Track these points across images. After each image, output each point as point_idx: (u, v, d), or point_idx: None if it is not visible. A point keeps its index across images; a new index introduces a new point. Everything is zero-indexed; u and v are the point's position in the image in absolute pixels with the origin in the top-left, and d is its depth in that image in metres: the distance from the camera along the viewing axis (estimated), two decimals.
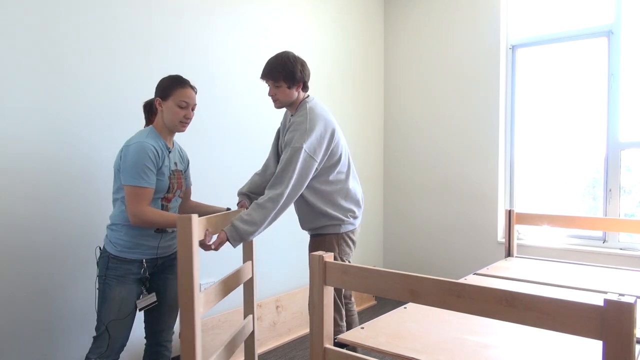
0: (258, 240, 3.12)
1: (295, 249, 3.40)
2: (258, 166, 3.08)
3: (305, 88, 2.17)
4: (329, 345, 1.46)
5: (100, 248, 1.96)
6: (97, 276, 1.89)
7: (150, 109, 2.05)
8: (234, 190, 2.95)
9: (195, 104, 1.98)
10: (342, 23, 3.79)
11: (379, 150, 4.25)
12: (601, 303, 1.00)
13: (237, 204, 2.23)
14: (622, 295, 1.01)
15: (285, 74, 2.08)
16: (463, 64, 3.82)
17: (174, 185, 1.97)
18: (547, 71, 3.57)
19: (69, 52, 2.18)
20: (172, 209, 2.00)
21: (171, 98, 1.91)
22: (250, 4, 3.02)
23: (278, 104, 2.17)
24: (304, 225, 2.26)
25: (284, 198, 1.97)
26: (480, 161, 3.74)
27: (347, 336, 1.55)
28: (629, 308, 0.96)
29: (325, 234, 2.20)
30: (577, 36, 3.41)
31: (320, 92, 3.58)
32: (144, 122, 2.48)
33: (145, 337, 2.10)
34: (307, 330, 3.33)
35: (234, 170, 2.96)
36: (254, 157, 3.08)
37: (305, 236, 3.46)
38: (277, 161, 2.26)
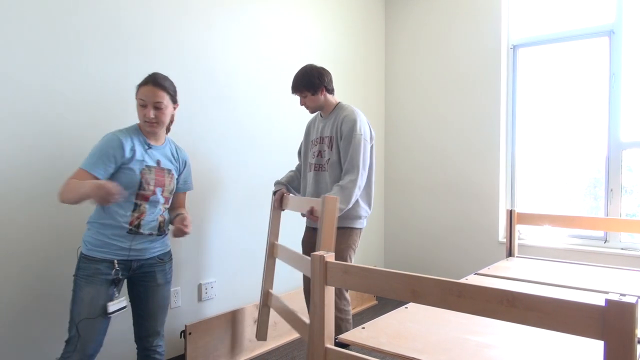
0: (258, 240, 3.12)
1: (295, 248, 3.40)
2: (259, 165, 3.09)
3: (329, 92, 2.49)
4: (329, 345, 1.45)
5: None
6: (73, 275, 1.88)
7: None
8: (235, 189, 2.95)
9: (159, 102, 1.89)
10: (343, 22, 3.79)
11: (380, 150, 4.25)
12: (602, 303, 1.00)
13: (275, 192, 2.61)
14: (624, 295, 1.00)
15: (305, 84, 2.43)
16: (464, 63, 3.82)
17: (148, 181, 1.89)
18: (548, 71, 3.56)
19: (67, 52, 2.18)
20: (151, 212, 1.92)
21: (136, 97, 1.93)
22: (250, 3, 3.02)
23: (310, 110, 2.53)
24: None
25: (359, 178, 2.32)
26: (481, 161, 3.74)
27: (348, 336, 1.55)
28: (630, 308, 0.96)
29: (345, 227, 2.42)
30: (579, 36, 3.40)
31: None
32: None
33: (135, 342, 2.08)
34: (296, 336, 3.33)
35: (235, 169, 2.96)
36: (254, 156, 3.08)
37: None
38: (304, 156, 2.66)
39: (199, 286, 2.77)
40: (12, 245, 2.01)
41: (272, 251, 2.63)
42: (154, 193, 1.93)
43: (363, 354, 1.39)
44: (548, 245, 3.44)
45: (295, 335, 3.21)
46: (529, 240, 3.56)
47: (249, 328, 2.89)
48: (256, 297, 3.09)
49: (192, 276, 2.73)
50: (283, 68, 3.26)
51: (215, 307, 2.86)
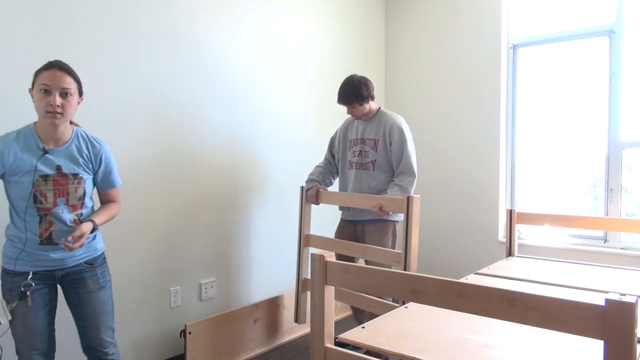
0: (258, 240, 3.12)
1: (295, 248, 3.40)
2: (259, 164, 3.09)
3: (373, 99, 2.74)
4: (330, 344, 1.45)
5: None
6: None
7: None
8: (235, 189, 2.95)
9: (67, 89, 1.67)
10: (343, 22, 3.78)
11: None
12: (602, 303, 1.00)
13: (308, 188, 2.84)
14: (624, 295, 1.00)
15: (355, 97, 2.65)
16: (464, 63, 3.82)
17: (44, 193, 1.70)
18: (548, 70, 3.56)
19: (67, 52, 2.18)
20: (60, 222, 1.74)
21: (35, 85, 1.66)
22: (251, 3, 3.02)
23: (356, 117, 2.77)
24: (366, 212, 2.68)
25: (415, 180, 2.67)
26: (481, 161, 3.74)
27: (347, 336, 1.55)
28: (630, 308, 0.96)
29: (391, 221, 2.72)
30: (579, 35, 3.40)
31: (321, 92, 3.58)
32: (140, 121, 2.48)
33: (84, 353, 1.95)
34: (307, 329, 3.33)
35: (236, 169, 2.96)
36: (255, 156, 3.08)
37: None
38: (333, 156, 2.96)
39: (199, 286, 2.77)
40: None
41: (307, 241, 2.91)
42: (56, 204, 1.73)
43: (363, 353, 1.39)
44: (548, 245, 3.44)
45: (295, 335, 3.21)
46: (529, 240, 3.56)
47: (249, 328, 2.90)
48: (256, 297, 3.09)
49: (192, 276, 2.73)
50: (283, 67, 3.26)
51: (215, 306, 2.86)
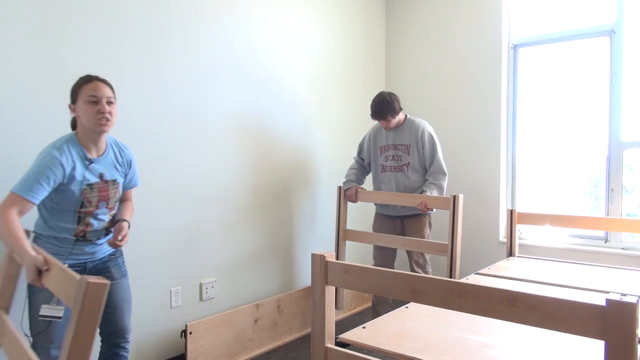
0: (259, 240, 3.12)
1: (296, 248, 3.40)
2: (259, 165, 3.09)
3: (402, 110, 3.06)
4: (330, 345, 1.46)
5: None
6: None
7: (74, 124, 1.89)
8: (237, 187, 2.95)
9: (111, 97, 1.81)
10: (344, 22, 3.78)
11: None
12: (603, 303, 1.00)
13: (347, 189, 3.18)
14: (624, 295, 1.00)
15: (389, 112, 2.94)
16: (465, 63, 3.82)
17: (90, 199, 1.83)
18: (549, 71, 3.56)
19: (67, 52, 2.18)
20: (94, 226, 1.86)
21: (79, 97, 1.78)
22: (251, 3, 3.02)
23: (390, 128, 3.05)
24: (406, 208, 3.02)
25: (446, 176, 3.02)
26: (481, 161, 3.74)
27: (348, 336, 1.55)
28: (631, 308, 0.96)
29: (426, 215, 3.05)
30: (579, 35, 3.40)
31: (321, 92, 3.58)
32: (141, 121, 2.48)
33: (100, 341, 2.03)
34: (308, 330, 3.33)
35: (236, 169, 2.96)
36: (255, 156, 3.08)
37: (306, 237, 3.47)
38: (363, 159, 3.26)
39: (200, 286, 2.77)
40: None
41: (344, 235, 3.27)
42: (98, 208, 1.87)
43: (364, 353, 1.39)
44: (549, 245, 3.44)
45: (295, 335, 3.21)
46: (530, 240, 3.56)
47: (249, 327, 2.90)
48: (256, 297, 3.09)
49: (193, 276, 2.74)
50: (283, 67, 3.26)
51: (215, 306, 2.86)
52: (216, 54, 2.82)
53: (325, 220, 3.63)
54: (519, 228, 3.58)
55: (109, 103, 1.80)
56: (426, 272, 3.09)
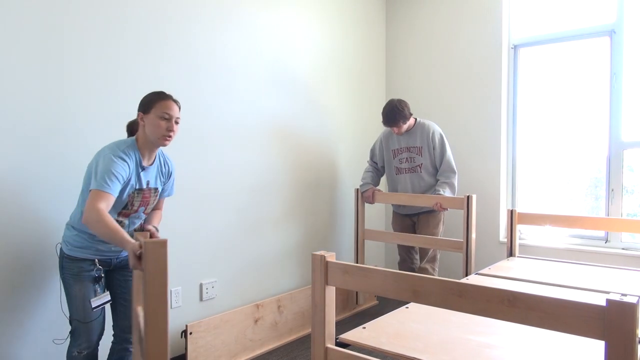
0: (259, 240, 3.12)
1: (296, 248, 3.40)
2: (260, 166, 3.09)
3: (412, 115, 3.25)
4: (330, 345, 1.46)
5: (59, 246, 1.98)
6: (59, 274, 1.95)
7: (132, 129, 2.03)
8: (236, 191, 2.95)
9: (179, 118, 1.95)
10: (344, 23, 3.78)
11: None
12: (603, 303, 1.00)
13: (364, 192, 3.38)
14: (625, 295, 1.00)
15: (400, 118, 3.16)
16: (465, 63, 3.82)
17: (133, 203, 1.95)
18: (549, 71, 3.56)
19: (67, 52, 2.18)
20: (127, 226, 1.99)
21: (153, 111, 1.89)
22: (251, 3, 3.02)
23: (401, 133, 3.26)
24: (422, 207, 3.24)
25: (456, 174, 3.22)
26: (482, 161, 3.73)
27: (348, 336, 1.55)
28: (631, 308, 0.96)
29: (440, 212, 3.25)
30: (579, 36, 3.40)
31: (321, 92, 3.58)
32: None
33: (112, 335, 2.10)
34: (308, 330, 3.33)
35: (236, 169, 2.96)
36: (255, 156, 3.08)
37: (305, 236, 3.46)
38: (376, 163, 3.46)
39: (200, 286, 2.77)
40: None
41: (363, 235, 3.48)
42: (136, 212, 1.99)
43: (364, 353, 1.39)
44: (549, 245, 3.43)
45: (295, 335, 3.21)
46: (530, 240, 3.56)
47: (249, 328, 2.90)
48: (257, 297, 3.09)
49: (193, 276, 2.74)
50: (283, 67, 3.26)
51: (216, 307, 2.86)
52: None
53: (325, 219, 3.63)
54: (519, 228, 3.58)
55: (176, 123, 1.95)
56: (434, 269, 3.33)
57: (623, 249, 3.20)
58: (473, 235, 3.02)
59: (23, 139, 2.05)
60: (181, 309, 2.68)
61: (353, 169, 3.88)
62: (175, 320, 2.65)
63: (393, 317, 1.72)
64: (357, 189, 3.44)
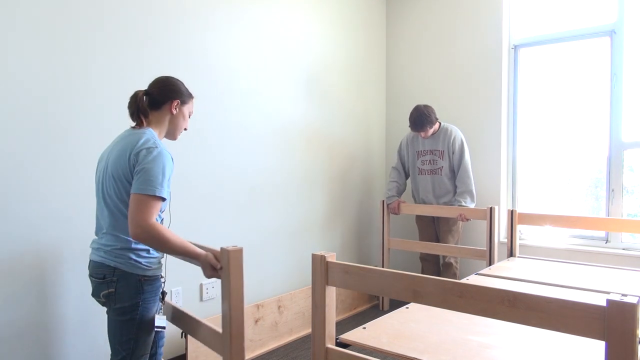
0: (259, 241, 3.12)
1: (296, 248, 3.40)
2: (260, 166, 3.08)
3: (437, 120, 3.44)
4: (331, 345, 1.46)
5: (109, 274, 1.67)
6: (124, 306, 1.65)
7: (141, 105, 1.75)
8: (236, 191, 2.95)
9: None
10: (344, 23, 3.78)
11: (381, 149, 4.25)
12: (604, 303, 1.00)
13: (390, 204, 3.60)
14: (625, 295, 1.00)
15: (428, 124, 3.34)
16: (465, 63, 3.82)
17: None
18: (549, 71, 3.56)
19: (66, 51, 2.19)
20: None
21: (187, 106, 1.82)
22: (251, 3, 3.02)
23: (426, 137, 3.45)
24: (442, 201, 3.48)
25: (473, 180, 3.41)
26: (482, 161, 3.73)
27: (348, 336, 1.55)
28: (631, 308, 0.96)
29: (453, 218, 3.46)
30: (580, 36, 3.40)
31: (322, 91, 3.58)
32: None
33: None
34: (308, 330, 3.33)
35: (236, 168, 2.96)
36: (255, 155, 3.08)
37: (305, 236, 3.46)
38: (403, 165, 3.64)
39: (200, 286, 2.77)
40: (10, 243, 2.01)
41: (389, 244, 3.72)
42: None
43: (364, 354, 1.39)
44: (549, 246, 3.43)
45: (295, 335, 3.21)
46: (530, 241, 3.56)
47: (250, 328, 2.90)
48: (257, 297, 3.09)
49: (193, 276, 2.74)
50: (284, 67, 3.26)
51: (216, 307, 2.86)
52: (208, 60, 2.82)
53: (323, 218, 3.63)
54: (520, 228, 3.58)
55: None
56: (457, 261, 3.55)
57: (623, 249, 3.20)
58: (496, 244, 3.17)
59: (24, 138, 2.05)
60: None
61: (353, 169, 3.88)
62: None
63: (393, 317, 1.72)
64: (383, 201, 3.66)
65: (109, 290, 1.66)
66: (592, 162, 3.38)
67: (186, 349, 2.54)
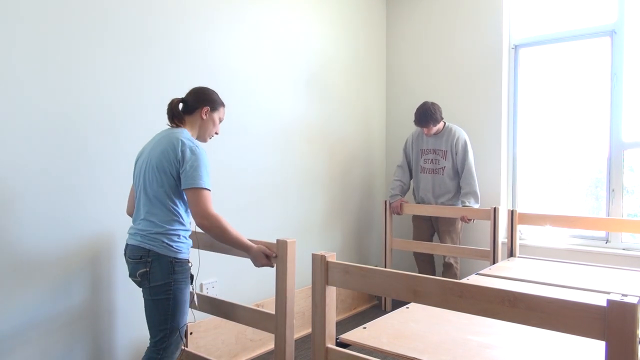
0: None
1: (296, 248, 3.40)
2: (261, 166, 3.08)
3: (443, 119, 3.46)
4: (331, 345, 1.46)
5: (145, 255, 1.85)
6: (157, 285, 1.83)
7: (175, 110, 1.98)
8: (237, 191, 2.95)
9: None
10: (344, 22, 3.78)
11: (381, 149, 4.25)
12: (604, 303, 1.00)
13: (393, 203, 3.60)
14: (625, 295, 1.00)
15: (431, 120, 3.35)
16: (465, 63, 3.82)
17: None
18: (549, 71, 3.56)
19: (67, 51, 2.19)
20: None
21: (217, 112, 2.02)
22: (251, 3, 3.02)
23: (430, 135, 3.47)
24: (440, 201, 3.49)
25: (476, 180, 3.39)
26: (482, 161, 3.73)
27: (349, 336, 1.55)
28: (631, 308, 0.96)
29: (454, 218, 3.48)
30: (580, 36, 3.40)
31: (322, 91, 3.58)
32: (143, 122, 2.48)
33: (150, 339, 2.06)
34: (308, 330, 3.33)
35: (236, 168, 2.96)
36: (256, 155, 3.07)
37: (305, 236, 3.46)
38: (408, 163, 3.66)
39: (200, 286, 2.77)
40: (14, 244, 2.01)
41: (391, 244, 3.73)
42: None
43: (364, 354, 1.39)
44: (549, 246, 3.43)
45: (295, 335, 3.21)
46: (530, 241, 3.56)
47: (249, 328, 2.90)
48: (257, 297, 3.09)
49: (194, 276, 2.73)
50: (284, 66, 3.26)
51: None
52: (208, 60, 2.82)
53: (320, 217, 3.63)
54: (520, 228, 3.58)
55: None
56: (457, 262, 3.56)
57: (623, 249, 3.20)
58: (499, 245, 3.18)
59: (24, 138, 2.05)
60: None
61: (353, 169, 3.88)
62: None
63: (393, 317, 1.72)
64: (386, 201, 3.66)
65: (145, 269, 1.84)
66: (592, 162, 3.38)
67: (186, 347, 2.54)
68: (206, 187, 1.82)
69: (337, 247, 3.76)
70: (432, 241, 3.64)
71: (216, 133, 2.07)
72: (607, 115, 3.27)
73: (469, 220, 3.32)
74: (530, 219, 2.96)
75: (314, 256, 1.46)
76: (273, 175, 3.19)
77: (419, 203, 3.61)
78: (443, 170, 3.47)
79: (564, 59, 3.49)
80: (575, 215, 2.81)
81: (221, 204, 2.86)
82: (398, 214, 3.61)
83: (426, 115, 3.35)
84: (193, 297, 1.99)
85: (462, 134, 3.45)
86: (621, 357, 0.98)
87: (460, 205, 3.36)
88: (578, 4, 3.41)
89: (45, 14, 2.10)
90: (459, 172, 3.43)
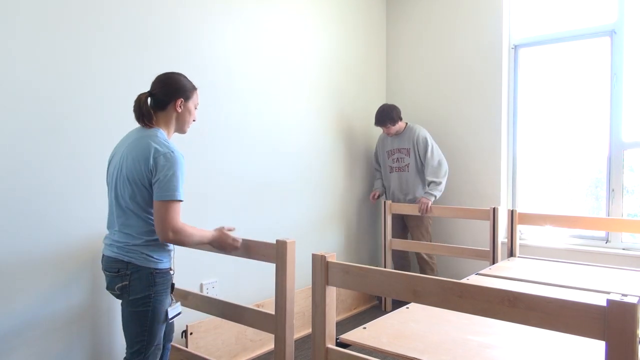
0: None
1: (296, 248, 3.40)
2: (259, 166, 3.09)
3: (401, 120, 3.65)
4: (331, 345, 1.46)
5: (123, 268, 1.76)
6: (137, 298, 1.74)
7: (145, 109, 1.79)
8: (235, 191, 2.95)
9: None
10: (344, 23, 3.78)
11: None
12: (604, 303, 1.00)
13: (374, 195, 3.84)
14: (625, 295, 1.00)
15: (389, 120, 3.57)
16: (465, 63, 3.82)
17: None
18: (549, 71, 3.56)
19: (65, 50, 2.19)
20: None
21: (191, 100, 1.87)
22: (251, 3, 3.02)
23: (390, 135, 3.68)
24: (409, 197, 3.67)
25: (442, 168, 3.55)
26: (482, 161, 3.73)
27: (349, 336, 1.55)
28: (631, 308, 0.96)
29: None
30: (580, 36, 3.40)
31: (321, 91, 3.58)
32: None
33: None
34: (308, 330, 3.33)
35: (235, 168, 2.96)
36: (255, 154, 3.07)
37: (305, 236, 3.47)
38: (378, 163, 3.87)
39: (201, 286, 2.77)
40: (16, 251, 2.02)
41: (390, 245, 3.74)
42: None
43: (364, 354, 1.39)
44: (549, 246, 3.43)
45: (296, 335, 3.21)
46: (530, 241, 3.56)
47: (250, 328, 2.89)
48: (257, 297, 3.09)
49: (194, 276, 2.73)
50: (284, 66, 3.26)
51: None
52: (208, 59, 2.82)
53: (319, 216, 3.63)
54: (520, 228, 3.58)
55: None
56: (430, 256, 3.70)
57: (623, 249, 3.20)
58: (499, 244, 3.20)
59: (24, 139, 2.05)
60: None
61: (353, 169, 3.88)
62: (175, 320, 2.65)
63: (393, 317, 1.72)
64: (384, 201, 3.72)
65: (123, 283, 1.75)
66: (592, 162, 3.38)
67: (186, 347, 2.54)
68: (179, 199, 1.70)
69: (337, 247, 3.76)
70: (406, 237, 3.83)
71: (194, 120, 1.92)
72: (607, 115, 3.27)
73: (426, 212, 3.45)
74: (530, 219, 2.96)
75: (314, 256, 1.46)
76: (272, 175, 3.19)
77: (392, 201, 3.75)
78: (408, 167, 3.66)
79: (563, 59, 3.49)
80: (575, 215, 2.81)
81: (221, 204, 2.86)
82: (372, 202, 3.93)
83: (383, 115, 3.57)
84: (167, 315, 1.81)
85: (422, 131, 3.63)
86: (621, 357, 0.98)
87: (425, 197, 3.50)
88: (578, 4, 3.41)
89: (45, 14, 2.10)
90: (426, 166, 3.59)
